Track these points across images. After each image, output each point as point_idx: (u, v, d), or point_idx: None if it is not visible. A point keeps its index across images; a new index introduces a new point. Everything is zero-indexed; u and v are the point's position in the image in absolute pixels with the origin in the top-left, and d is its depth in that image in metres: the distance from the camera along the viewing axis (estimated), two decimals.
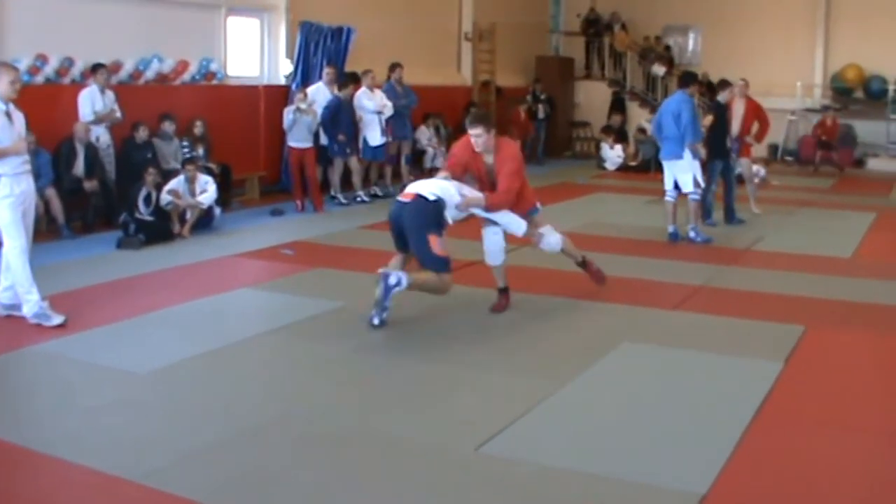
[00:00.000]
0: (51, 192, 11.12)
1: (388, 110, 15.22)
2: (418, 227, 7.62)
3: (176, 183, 11.63)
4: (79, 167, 11.64)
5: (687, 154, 11.42)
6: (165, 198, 11.41)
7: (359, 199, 14.78)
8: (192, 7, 14.34)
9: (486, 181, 8.02)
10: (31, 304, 7.53)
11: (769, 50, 22.96)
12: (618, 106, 23.04)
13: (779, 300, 8.89)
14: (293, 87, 15.21)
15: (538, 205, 8.50)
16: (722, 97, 12.72)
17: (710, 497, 4.68)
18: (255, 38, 15.81)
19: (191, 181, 11.73)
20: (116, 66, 12.90)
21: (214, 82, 14.59)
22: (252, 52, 15.79)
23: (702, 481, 4.83)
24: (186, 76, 14.05)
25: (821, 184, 18.81)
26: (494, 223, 8.15)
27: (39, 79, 11.96)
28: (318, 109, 14.15)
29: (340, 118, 14.30)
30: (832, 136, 21.13)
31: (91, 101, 11.96)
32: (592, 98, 24.01)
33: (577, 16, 24.97)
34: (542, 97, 21.51)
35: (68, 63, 12.28)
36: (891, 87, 22.15)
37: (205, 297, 8.67)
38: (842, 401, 6.27)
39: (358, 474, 4.94)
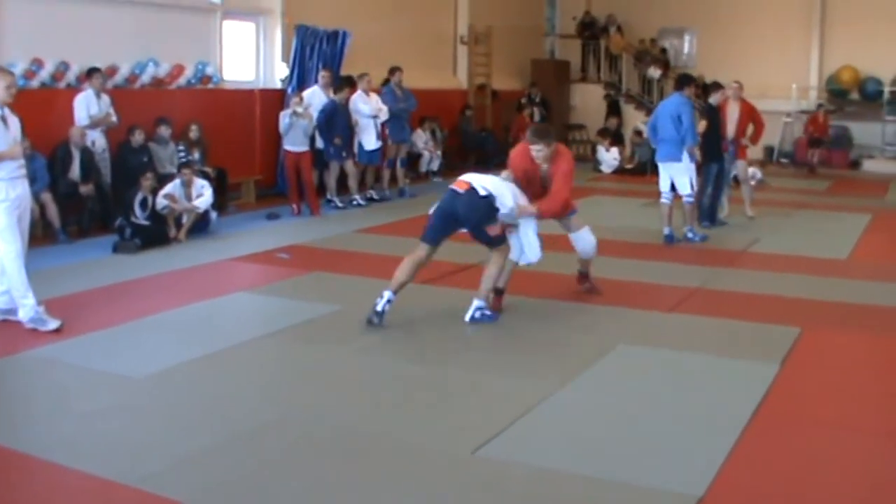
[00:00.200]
0: (46, 197, 11.09)
1: (384, 114, 15.22)
2: (472, 219, 7.85)
3: (172, 187, 11.62)
4: (74, 171, 11.63)
5: (685, 156, 11.47)
6: (161, 202, 11.40)
7: (355, 202, 14.77)
8: (188, 11, 14.33)
9: (538, 186, 8.21)
10: (26, 308, 7.52)
11: (765, 52, 23.00)
12: (613, 109, 23.05)
13: (775, 302, 8.90)
14: (289, 90, 15.21)
15: (576, 207, 8.73)
16: (714, 99, 12.73)
17: (707, 499, 4.68)
18: (251, 42, 15.82)
19: (187, 185, 11.73)
20: (112, 70, 12.90)
21: (210, 86, 14.59)
22: (248, 56, 15.80)
23: (699, 483, 4.82)
24: (182, 80, 14.04)
25: (817, 185, 18.83)
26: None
27: (35, 83, 11.95)
28: (314, 113, 14.15)
29: (336, 122, 14.30)
30: (823, 132, 21.13)
31: (87, 106, 11.96)
32: (588, 101, 24.05)
33: (573, 18, 25.02)
34: (537, 100, 21.51)
35: (64, 67, 12.27)
36: (886, 89, 22.20)
37: (201, 301, 8.66)
38: (838, 402, 6.28)
39: (354, 478, 4.93)
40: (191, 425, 5.67)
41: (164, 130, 13.03)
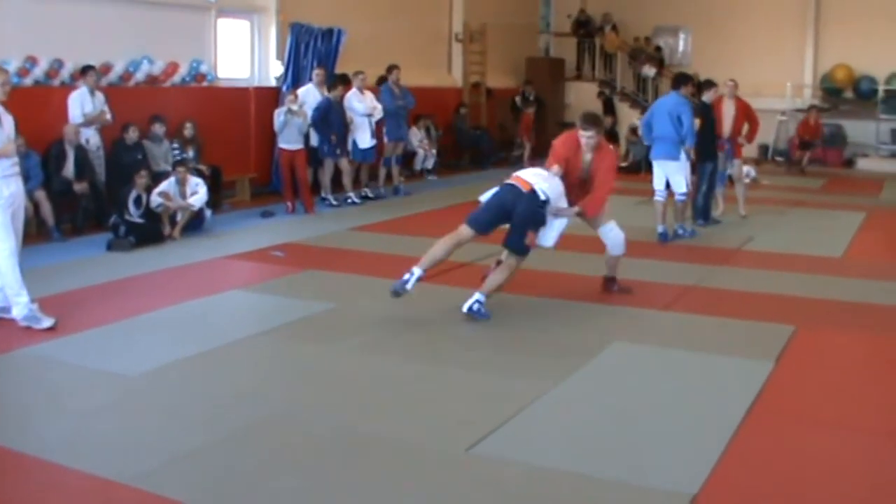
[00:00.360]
0: (40, 195, 11.08)
1: (378, 113, 15.21)
2: (525, 221, 7.91)
3: (166, 185, 11.61)
4: (68, 169, 11.61)
5: (682, 155, 11.51)
6: (156, 200, 11.38)
7: (349, 200, 14.77)
8: (182, 8, 14.32)
9: (576, 177, 8.32)
10: (20, 306, 7.50)
11: (759, 50, 23.02)
12: (608, 107, 23.05)
13: (769, 300, 8.91)
14: (283, 88, 15.21)
15: None
16: (707, 97, 12.72)
17: (700, 497, 4.68)
18: (246, 40, 15.81)
19: (181, 183, 11.71)
20: (106, 68, 12.88)
21: (205, 84, 14.58)
22: (242, 54, 15.79)
23: (693, 481, 4.83)
24: (176, 78, 14.03)
25: (811, 184, 18.85)
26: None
27: (29, 81, 11.93)
28: (308, 111, 14.14)
29: (331, 119, 14.29)
30: (814, 134, 21.14)
31: (81, 103, 11.94)
32: (583, 99, 23.98)
33: (568, 16, 25.01)
34: (531, 98, 21.51)
35: (58, 65, 12.25)
36: (880, 87, 22.22)
37: (195, 299, 8.65)
38: (832, 400, 6.29)
39: (349, 475, 4.93)
40: (186, 423, 5.66)
41: (159, 128, 13.02)
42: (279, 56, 15.73)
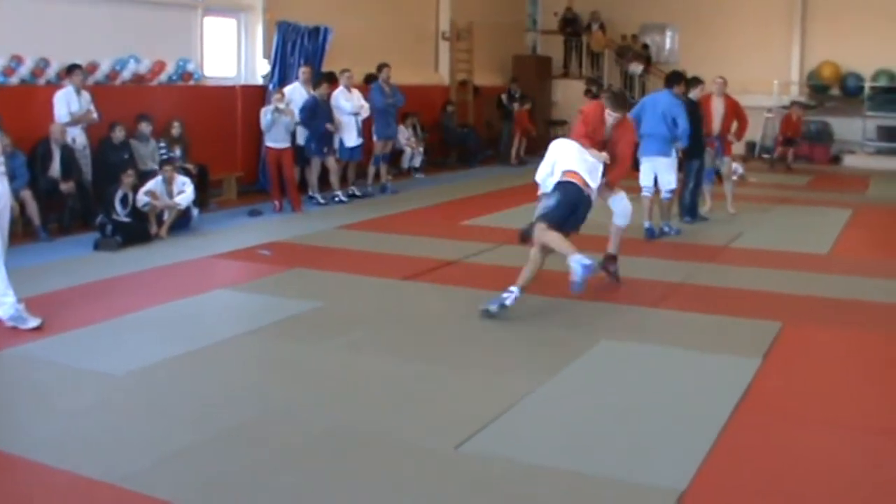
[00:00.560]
0: (26, 194, 11.02)
1: (365, 111, 15.20)
2: (580, 222, 8.30)
3: (153, 184, 11.58)
4: (55, 169, 11.57)
5: (672, 152, 11.59)
6: (142, 199, 11.35)
7: (337, 199, 14.74)
8: (169, 7, 14.29)
9: (597, 141, 8.75)
10: (6, 306, 7.47)
11: (746, 48, 23.07)
12: None
13: (756, 297, 8.93)
14: (270, 87, 15.18)
15: None
16: (694, 94, 12.72)
17: (689, 493, 4.69)
18: (232, 39, 15.76)
19: (168, 182, 11.69)
20: (92, 67, 12.84)
21: (191, 83, 14.54)
22: (229, 53, 15.74)
23: (681, 478, 4.84)
24: (163, 77, 13.99)
25: (797, 181, 18.90)
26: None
27: (14, 80, 11.88)
28: (295, 109, 14.12)
29: (318, 116, 14.27)
30: (795, 132, 21.19)
31: (67, 102, 11.90)
32: (570, 97, 24.00)
33: (555, 14, 25.02)
34: (517, 96, 21.49)
35: (44, 64, 12.21)
36: (866, 85, 22.30)
37: (182, 298, 8.63)
38: (819, 396, 6.31)
39: (337, 474, 4.93)
40: (173, 423, 5.65)
41: (145, 127, 12.98)
42: (266, 54, 15.69)
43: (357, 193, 15.32)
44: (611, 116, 8.69)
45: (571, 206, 8.11)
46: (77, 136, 12.09)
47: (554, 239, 7.92)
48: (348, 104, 14.92)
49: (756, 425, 5.71)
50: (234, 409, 5.85)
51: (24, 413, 5.86)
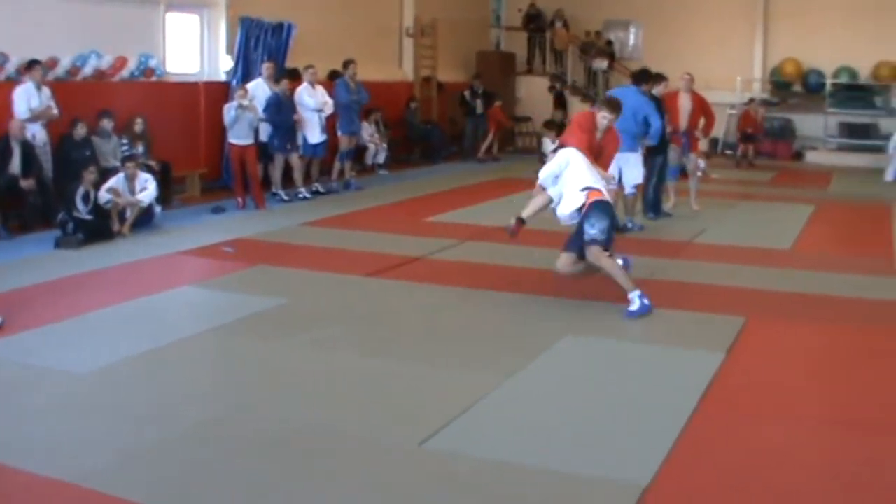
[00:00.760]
0: None
1: (329, 108, 15.15)
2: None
3: (115, 181, 11.49)
4: (15, 165, 11.45)
5: (639, 148, 11.65)
6: (104, 196, 11.26)
7: (300, 195, 14.69)
8: (131, 2, 14.17)
9: (592, 151, 8.86)
10: None
11: (709, 45, 23.22)
12: (559, 101, 23.09)
13: (720, 292, 8.98)
14: (233, 83, 15.10)
15: None
16: (657, 91, 12.73)
17: (652, 488, 4.71)
18: (195, 34, 15.67)
19: (130, 179, 11.60)
20: (53, 63, 12.72)
21: (154, 79, 14.43)
22: (192, 48, 15.65)
23: (644, 472, 4.86)
24: (125, 72, 13.88)
25: (760, 177, 19.04)
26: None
27: None
28: (258, 105, 14.05)
29: (282, 113, 14.22)
30: (756, 128, 21.33)
31: (27, 98, 11.77)
32: (534, 93, 24.08)
33: (519, 11, 25.05)
34: (480, 92, 21.48)
35: (2, 59, 12.08)
36: (828, 81, 22.50)
37: (145, 295, 8.56)
38: (782, 390, 6.35)
39: (300, 471, 4.91)
40: (136, 421, 5.60)
41: (107, 123, 12.87)
42: (229, 50, 15.61)
43: (321, 190, 15.27)
44: (605, 119, 8.89)
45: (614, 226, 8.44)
46: (37, 133, 11.96)
47: (614, 268, 8.15)
48: (312, 100, 14.86)
49: (719, 419, 5.74)
50: (198, 407, 5.82)
51: None
